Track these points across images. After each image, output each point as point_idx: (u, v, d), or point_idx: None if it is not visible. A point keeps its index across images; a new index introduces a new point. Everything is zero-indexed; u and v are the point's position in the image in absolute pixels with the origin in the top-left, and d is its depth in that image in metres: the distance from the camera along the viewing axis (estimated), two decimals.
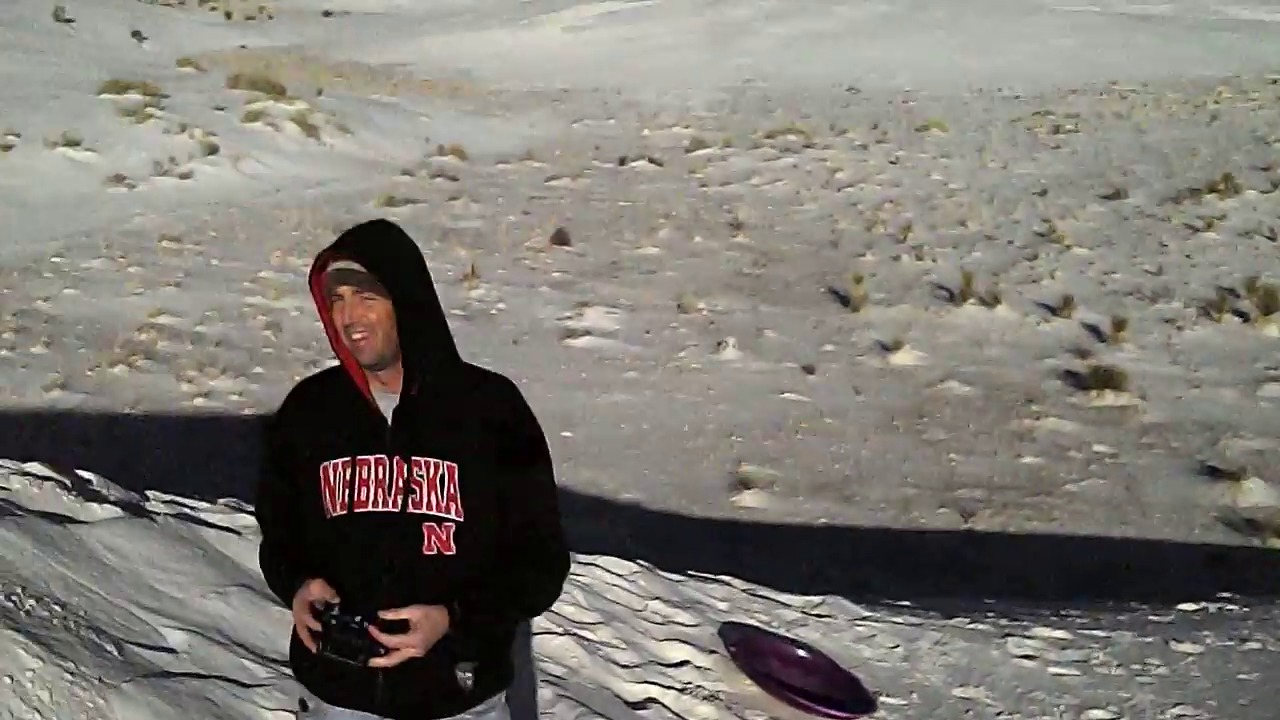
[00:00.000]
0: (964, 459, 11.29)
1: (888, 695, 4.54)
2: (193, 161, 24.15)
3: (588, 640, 4.21)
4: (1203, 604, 5.51)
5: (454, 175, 26.34)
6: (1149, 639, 4.73)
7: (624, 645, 4.26)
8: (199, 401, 12.64)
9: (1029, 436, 11.85)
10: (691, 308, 16.09)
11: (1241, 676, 4.89)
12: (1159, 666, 4.89)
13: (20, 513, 3.45)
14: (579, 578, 4.53)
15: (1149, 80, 45.10)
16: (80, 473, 4.26)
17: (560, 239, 19.80)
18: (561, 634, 4.07)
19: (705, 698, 4.18)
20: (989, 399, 12.86)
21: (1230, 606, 5.24)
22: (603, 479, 10.90)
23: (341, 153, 28.09)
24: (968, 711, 4.48)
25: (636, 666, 4.17)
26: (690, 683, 4.25)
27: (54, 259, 17.93)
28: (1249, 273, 17.83)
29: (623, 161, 28.42)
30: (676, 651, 4.44)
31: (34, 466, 4.18)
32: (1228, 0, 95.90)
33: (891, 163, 28.38)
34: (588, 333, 15.03)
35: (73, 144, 23.50)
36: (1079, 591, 8.85)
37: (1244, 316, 15.38)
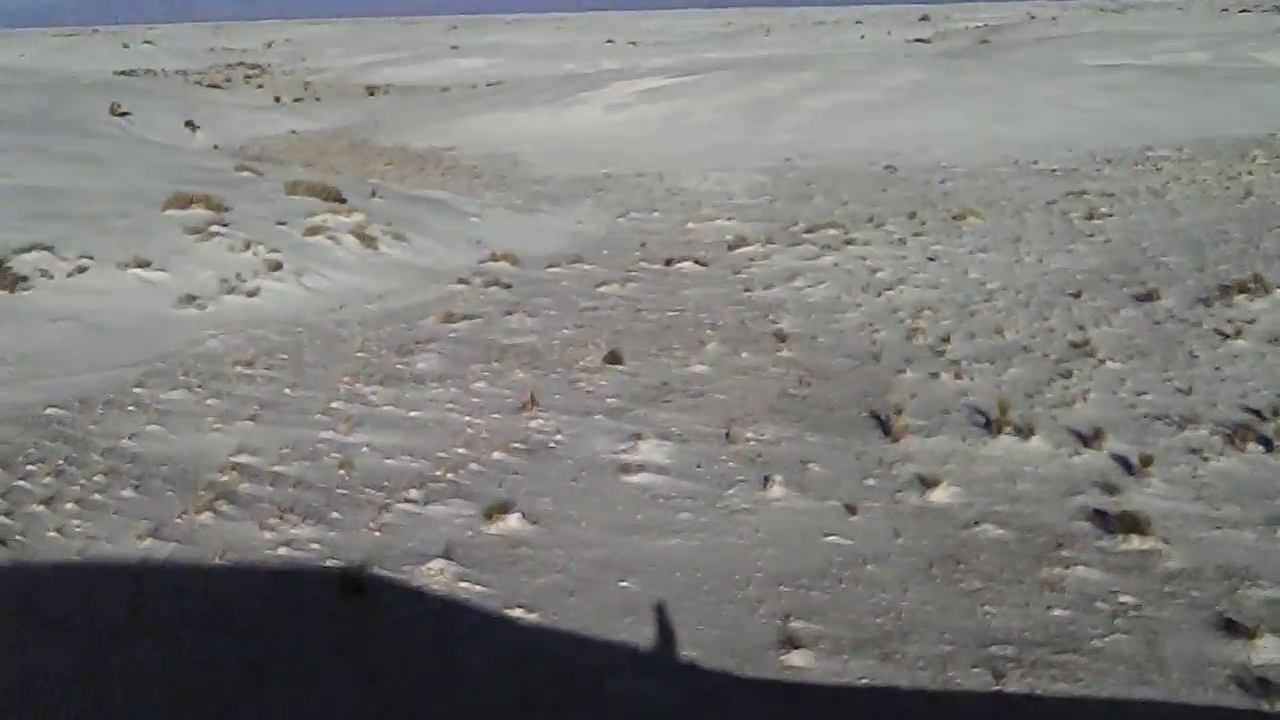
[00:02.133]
0: (997, 610, 12.20)
1: None
2: (258, 279, 25.49)
3: None
4: None
5: (507, 282, 27.55)
6: None
7: None
8: (282, 551, 13.71)
9: (1059, 586, 12.76)
10: (740, 438, 17.10)
11: None
12: None
13: None
14: None
15: (1183, 143, 45.93)
16: None
17: (613, 359, 20.89)
18: None
19: None
20: (1022, 542, 13.77)
21: None
22: (661, 635, 11.88)
23: (398, 261, 29.42)
24: None
25: None
26: None
27: (135, 389, 19.15)
28: (1277, 387, 18.67)
29: (669, 263, 29.58)
30: None
31: None
32: (1263, 46, 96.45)
33: (930, 259, 29.36)
34: (641, 468, 16.06)
35: (143, 265, 24.86)
36: None
37: (1267, 445, 16.20)
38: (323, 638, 12.09)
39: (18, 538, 14.14)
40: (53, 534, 14.18)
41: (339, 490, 15.56)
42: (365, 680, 11.30)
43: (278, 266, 26.21)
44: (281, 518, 14.66)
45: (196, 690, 11.15)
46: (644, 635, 11.93)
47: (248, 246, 27.27)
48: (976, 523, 14.33)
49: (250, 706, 10.96)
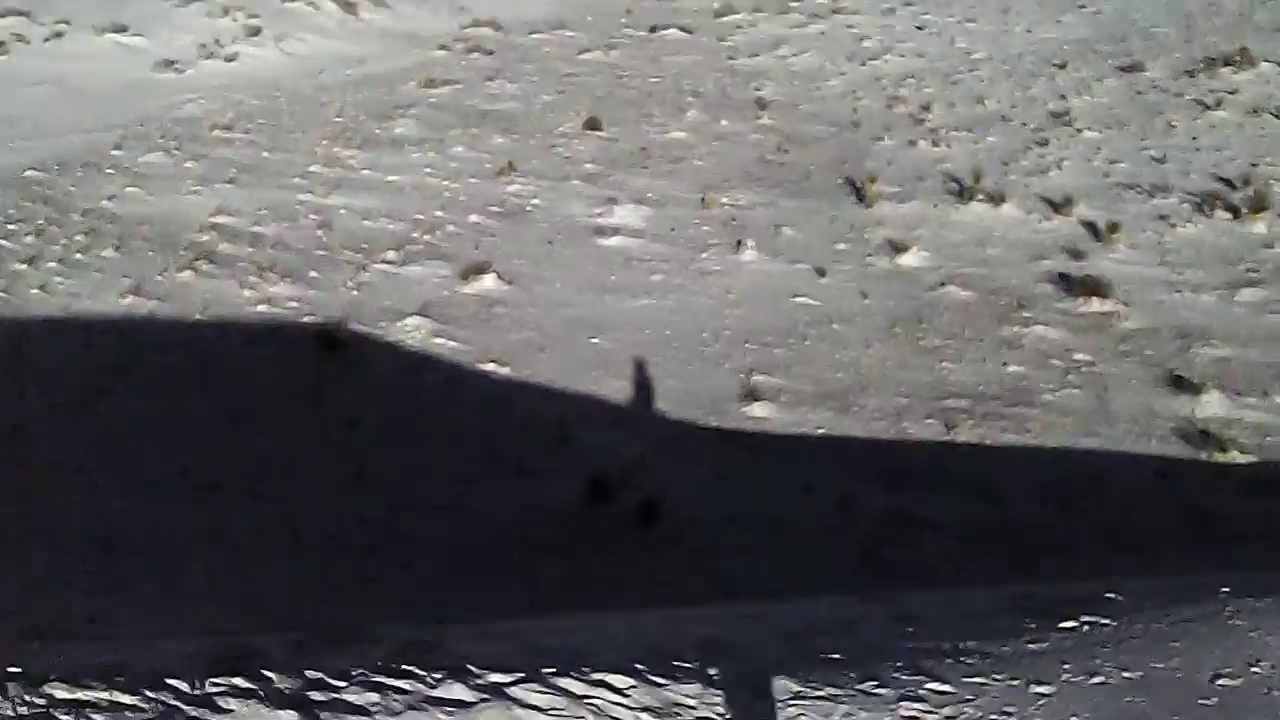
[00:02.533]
0: (955, 367, 12.54)
1: None
2: (237, 44, 25.10)
3: None
4: (1081, 621, 6.13)
5: (489, 48, 27.14)
6: (1016, 681, 5.50)
7: None
8: (261, 308, 13.92)
9: (1017, 343, 13.06)
10: (715, 203, 17.18)
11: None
12: (1013, 715, 5.19)
13: None
14: (589, 700, 5.08)
15: None
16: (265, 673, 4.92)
17: (592, 124, 20.78)
18: None
19: None
20: (985, 303, 14.04)
21: (1105, 622, 6.10)
22: (628, 388, 12.22)
23: (378, 26, 28.88)
24: None
25: None
26: None
27: (114, 152, 19.07)
28: (1251, 157, 18.72)
29: (653, 30, 29.05)
30: None
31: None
32: None
33: (918, 28, 28.89)
34: (616, 231, 16.20)
35: (121, 30, 24.44)
36: (1032, 500, 10.19)
37: (1235, 212, 16.35)
38: (301, 389, 12.40)
39: (1, 295, 14.26)
40: (36, 291, 14.33)
41: (317, 251, 15.68)
42: (342, 428, 11.62)
43: (257, 32, 25.77)
44: (261, 276, 14.82)
45: (180, 437, 11.48)
46: (611, 388, 12.24)
47: (226, 12, 26.75)
48: (942, 284, 14.56)
49: (232, 451, 11.30)
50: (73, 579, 9.32)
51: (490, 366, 12.53)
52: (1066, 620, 6.04)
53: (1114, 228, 15.63)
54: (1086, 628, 5.92)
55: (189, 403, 11.89)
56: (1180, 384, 12.07)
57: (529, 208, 17.29)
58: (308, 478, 10.89)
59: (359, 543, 10.00)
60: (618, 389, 12.12)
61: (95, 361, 12.88)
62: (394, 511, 10.35)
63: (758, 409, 11.69)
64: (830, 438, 11.28)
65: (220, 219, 16.41)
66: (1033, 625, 6.11)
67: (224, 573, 9.50)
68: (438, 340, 13.09)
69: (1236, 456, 10.84)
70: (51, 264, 14.96)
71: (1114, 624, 5.99)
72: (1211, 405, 11.56)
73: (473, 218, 16.82)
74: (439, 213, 17.05)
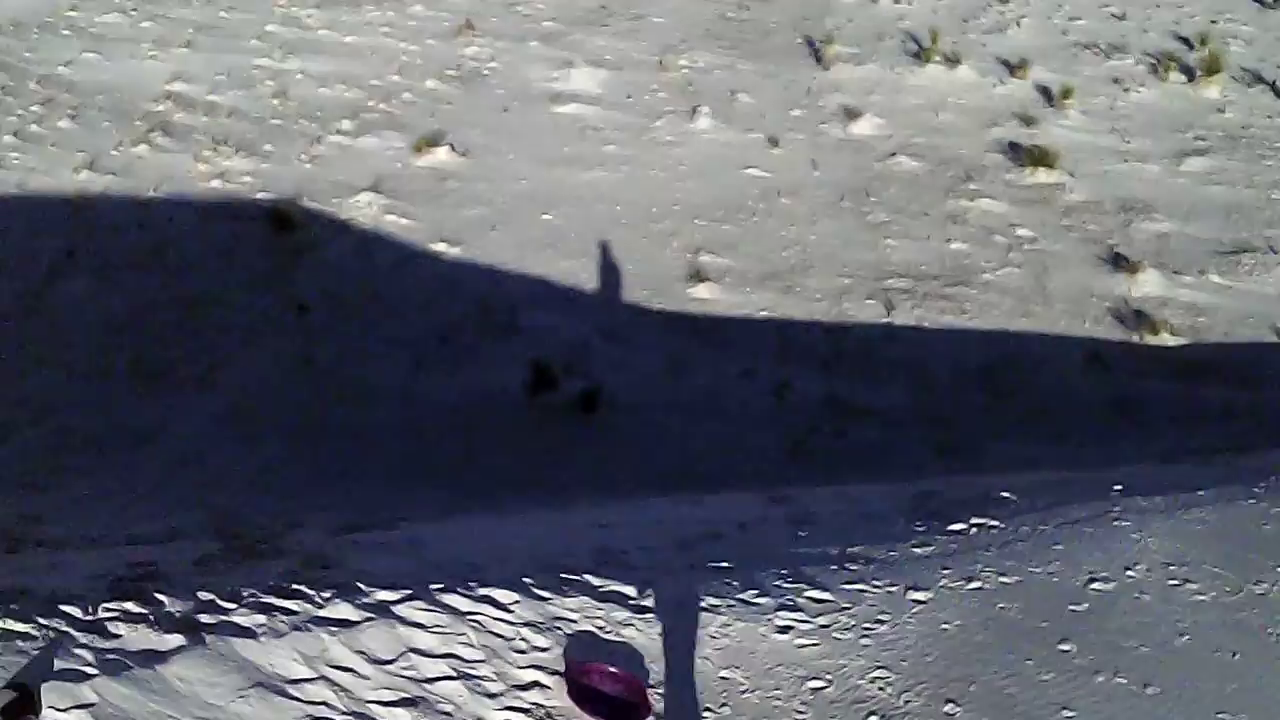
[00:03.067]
0: (898, 244, 12.57)
1: (668, 681, 5.19)
2: None
3: (471, 676, 4.94)
4: (969, 523, 6.26)
5: None
6: (894, 588, 5.66)
7: (495, 677, 4.96)
8: (215, 184, 13.83)
9: (962, 218, 13.08)
10: (673, 66, 16.93)
11: (945, 626, 5.32)
12: (886, 623, 5.32)
13: (130, 664, 4.41)
14: (473, 616, 5.17)
15: None
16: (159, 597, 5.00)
17: None
18: (456, 677, 4.87)
19: (541, 718, 4.92)
20: (933, 175, 13.99)
21: (994, 524, 6.23)
22: (577, 268, 12.25)
23: None
24: (723, 691, 5.08)
25: (501, 694, 4.89)
26: (536, 703, 4.93)
27: (69, 12, 18.60)
28: (1211, 13, 18.44)
29: None
30: (531, 675, 5.05)
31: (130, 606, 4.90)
32: None
33: None
34: (573, 98, 15.99)
35: None
36: (964, 385, 10.34)
37: (1190, 74, 16.19)
38: (253, 271, 12.41)
39: None
40: None
41: (273, 121, 15.47)
42: (293, 313, 11.66)
43: None
44: (215, 150, 14.66)
45: (132, 324, 11.54)
46: (560, 269, 12.26)
47: None
48: (893, 154, 14.47)
49: (183, 339, 11.36)
50: (23, 473, 9.45)
51: (441, 246, 12.51)
52: (955, 523, 6.20)
53: (1067, 93, 15.48)
54: (974, 529, 6.11)
55: (141, 288, 11.91)
56: (1119, 262, 12.14)
57: (486, 71, 17.01)
58: (258, 366, 10.98)
59: (307, 432, 10.14)
60: (566, 270, 12.14)
61: (48, 244, 12.82)
62: (342, 400, 10.49)
63: (703, 290, 11.73)
64: (772, 320, 11.36)
65: (177, 86, 16.12)
66: (922, 528, 6.29)
67: (173, 466, 9.65)
68: (389, 218, 13.04)
69: (1167, 339, 10.98)
70: (7, 136, 14.78)
71: (1001, 526, 6.16)
72: (1148, 285, 11.65)
73: (429, 83, 16.54)
74: (395, 78, 16.76)
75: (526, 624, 5.15)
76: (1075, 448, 9.59)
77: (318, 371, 10.78)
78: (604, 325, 11.30)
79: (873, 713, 4.87)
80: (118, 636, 4.61)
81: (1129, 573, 5.63)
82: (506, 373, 10.68)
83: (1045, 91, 15.99)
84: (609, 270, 12.15)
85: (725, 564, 5.91)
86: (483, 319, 11.36)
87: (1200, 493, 6.44)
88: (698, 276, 11.96)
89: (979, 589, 5.41)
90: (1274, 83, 16.04)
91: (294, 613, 4.92)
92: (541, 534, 6.76)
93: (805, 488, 7.89)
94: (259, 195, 13.52)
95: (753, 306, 11.56)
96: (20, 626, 4.62)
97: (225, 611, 4.85)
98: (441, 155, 14.37)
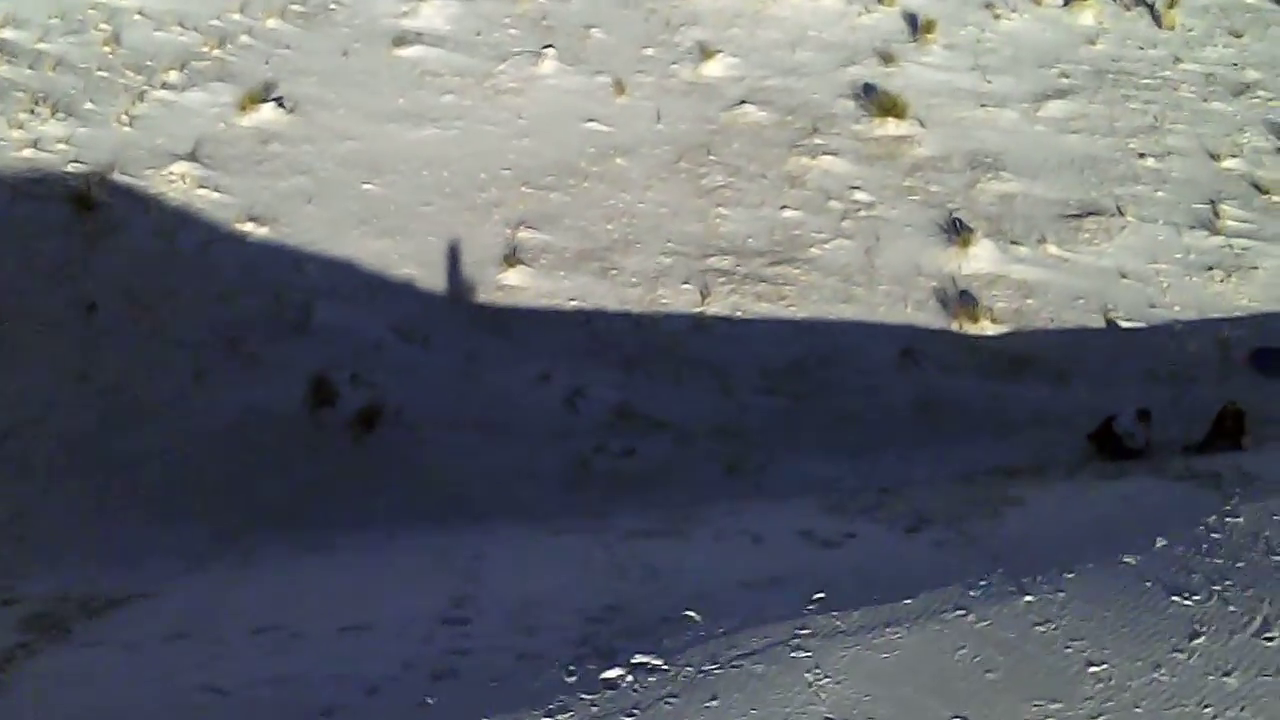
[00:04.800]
0: (730, 213, 11.66)
1: None
2: None
3: None
4: (628, 666, 5.43)
5: None
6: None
7: None
8: (27, 153, 12.77)
9: (800, 180, 12.15)
10: None
11: None
12: None
13: None
14: None
15: None
16: None
17: None
18: None
19: None
20: (780, 127, 13.00)
21: (655, 666, 5.38)
22: (388, 250, 11.33)
23: None
24: None
25: None
26: None
27: None
28: None
29: None
30: None
31: None
32: None
33: None
34: (419, 37, 14.85)
35: None
36: (768, 388, 9.53)
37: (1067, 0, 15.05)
38: (48, 262, 11.45)
39: None
40: None
41: (99, 72, 14.29)
42: (80, 313, 10.77)
43: None
44: (33, 111, 13.55)
45: None
46: (369, 251, 11.37)
47: None
48: (742, 102, 13.44)
49: None
50: None
51: (249, 226, 11.57)
52: (613, 666, 5.41)
53: (931, 25, 14.29)
54: (629, 679, 5.30)
55: None
56: (956, 230, 11.20)
57: (333, 6, 15.74)
58: (34, 380, 10.10)
59: (73, 464, 9.34)
60: (376, 252, 11.24)
61: None
62: (115, 423, 9.69)
63: (514, 276, 10.89)
64: (581, 312, 10.54)
65: (6, 33, 14.84)
66: (573, 677, 5.48)
67: None
68: (201, 192, 12.06)
69: (988, 327, 10.16)
70: None
71: (663, 670, 5.38)
72: (980, 260, 10.85)
73: (271, 22, 15.32)
74: (237, 16, 15.52)
75: None
76: (870, 464, 8.81)
77: (94, 389, 9.93)
78: (402, 321, 10.44)
79: None
80: None
81: None
82: (288, 384, 9.86)
83: (912, 21, 14.81)
84: (421, 252, 11.27)
85: None
86: (274, 316, 10.48)
87: (907, 601, 5.66)
88: (513, 258, 11.04)
89: None
90: (1153, 5, 14.87)
91: None
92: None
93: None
94: (70, 166, 12.43)
95: (563, 295, 10.69)
96: None
97: None
98: (266, 113, 13.30)
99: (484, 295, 10.76)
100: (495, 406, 9.64)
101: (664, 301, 10.60)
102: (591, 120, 13.18)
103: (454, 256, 11.22)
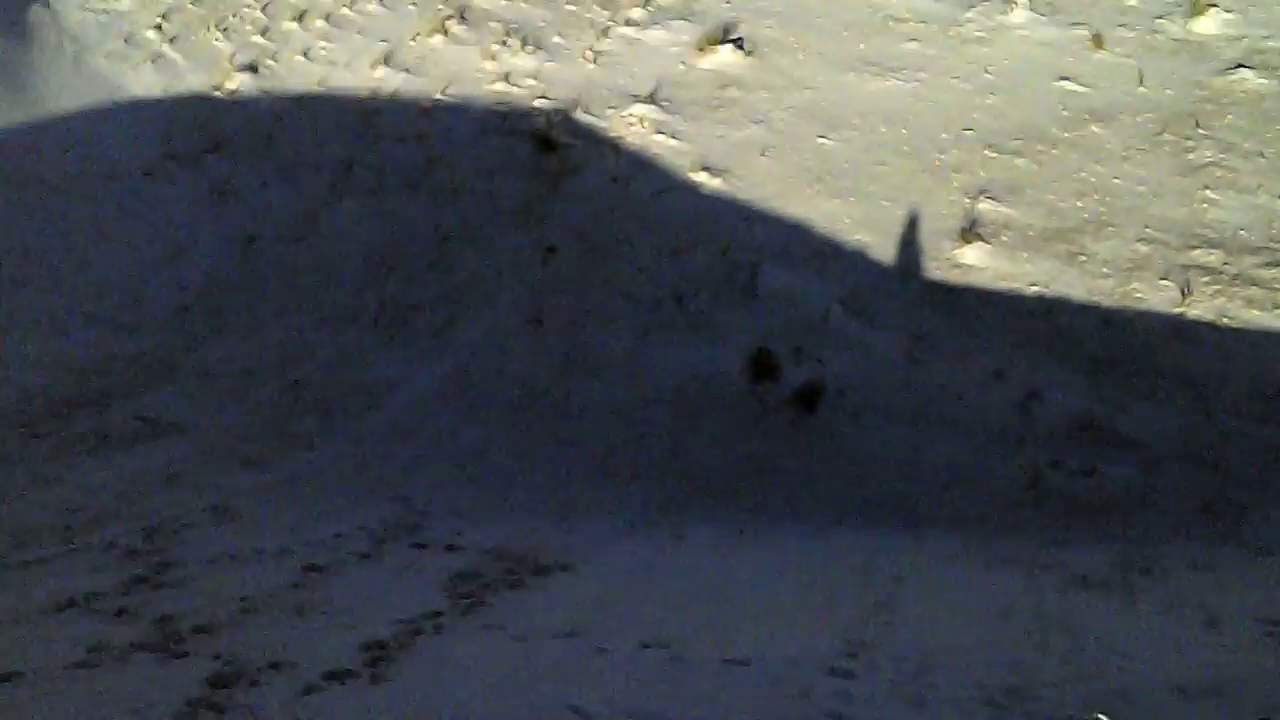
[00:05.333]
0: (1218, 197, 10.55)
1: None
2: None
3: None
4: None
5: None
6: None
7: None
8: (498, 86, 13.29)
9: None
10: None
11: None
12: None
13: None
14: None
15: None
16: None
17: None
18: None
19: None
20: None
21: None
22: (839, 212, 11.02)
23: None
24: None
25: None
26: None
27: None
28: None
29: None
30: None
31: None
32: None
33: None
34: None
35: None
36: (1257, 415, 8.60)
37: None
38: (513, 200, 11.90)
39: (269, 62, 14.23)
40: (299, 58, 14.17)
41: (568, 5, 14.64)
42: (539, 256, 11.15)
43: None
44: (504, 43, 14.07)
45: (389, 258, 11.37)
46: (821, 211, 11.09)
47: None
48: (1238, 66, 12.07)
49: (435, 276, 11.10)
50: (247, 439, 9.51)
51: (702, 177, 11.55)
52: None
53: None
54: None
55: (405, 216, 11.70)
56: None
57: None
58: (493, 321, 10.58)
59: (523, 407, 9.72)
60: (828, 213, 10.95)
61: (332, 154, 12.75)
62: (564, 371, 9.98)
63: (970, 253, 10.30)
64: (1042, 300, 9.84)
65: None
66: None
67: (389, 438, 9.48)
68: (658, 138, 12.15)
69: None
70: (319, 22, 14.69)
71: None
72: None
73: None
74: None
75: None
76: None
77: (547, 336, 10.23)
78: (851, 293, 10.13)
79: None
80: None
81: None
82: (732, 350, 9.78)
83: None
84: (873, 218, 10.85)
85: None
86: (722, 276, 10.44)
87: None
88: (970, 232, 10.45)
89: None
90: None
91: None
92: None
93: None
94: (537, 102, 12.81)
95: (1024, 279, 10.00)
96: None
97: None
98: (725, 55, 13.16)
99: (937, 271, 10.22)
100: (941, 399, 9.16)
101: (1138, 297, 9.71)
102: (1065, 78, 12.21)
103: (908, 225, 10.72)
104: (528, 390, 9.87)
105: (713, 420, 9.33)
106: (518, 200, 11.68)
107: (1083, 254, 10.16)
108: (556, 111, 12.61)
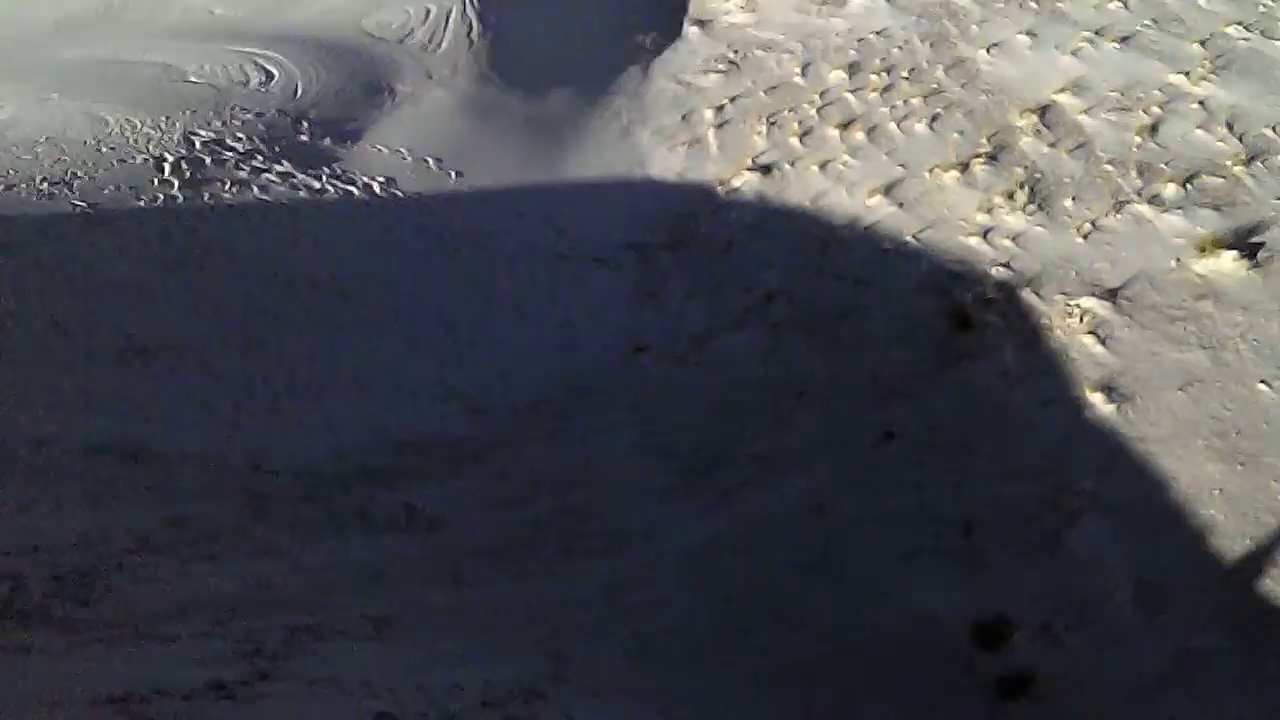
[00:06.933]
0: None
1: None
2: None
3: None
4: None
5: None
6: None
7: None
8: (971, 241, 13.35)
9: None
10: None
11: None
12: None
13: None
14: None
15: None
16: None
17: None
18: None
19: None
20: None
21: None
22: (1216, 481, 9.94)
23: None
24: None
25: None
26: None
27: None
28: None
29: None
30: None
31: None
32: None
33: None
34: None
35: None
36: None
37: None
38: (891, 376, 12.11)
39: (785, 166, 15.37)
40: (814, 169, 15.16)
41: (1105, 165, 14.23)
42: (877, 435, 11.34)
43: None
44: (1011, 196, 14.02)
45: (747, 396, 12.07)
46: (1192, 474, 9.95)
47: None
48: None
49: (775, 427, 11.62)
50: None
51: (1097, 399, 10.92)
52: None
53: None
54: None
55: (788, 358, 12.31)
56: None
57: None
58: (779, 498, 10.96)
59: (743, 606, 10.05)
60: (1198, 478, 9.86)
61: (767, 279, 13.53)
62: (807, 573, 10.17)
63: None
64: None
65: (1063, 98, 15.36)
66: None
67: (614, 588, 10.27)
68: (1085, 339, 11.64)
69: None
70: (859, 136, 15.49)
71: None
72: None
73: None
74: None
75: None
76: None
77: (816, 528, 10.45)
78: (1154, 579, 9.23)
79: None
80: None
81: None
82: (984, 606, 9.41)
83: None
84: (1253, 496, 9.71)
85: None
86: (1034, 515, 9.93)
87: None
88: None
89: None
90: None
91: None
92: None
93: None
94: (996, 269, 12.79)
95: None
96: None
97: None
98: (1225, 263, 12.11)
99: (1266, 585, 8.97)
100: None
101: None
102: None
103: None
104: (754, 591, 10.09)
105: (923, 677, 9.07)
106: (900, 372, 11.78)
107: None
108: (999, 286, 12.44)
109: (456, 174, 15.67)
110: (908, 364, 11.69)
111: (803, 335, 12.40)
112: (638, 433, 11.69)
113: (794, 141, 15.89)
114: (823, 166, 15.19)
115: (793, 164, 15.40)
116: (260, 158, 15.15)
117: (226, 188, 14.50)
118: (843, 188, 14.63)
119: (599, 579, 10.01)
